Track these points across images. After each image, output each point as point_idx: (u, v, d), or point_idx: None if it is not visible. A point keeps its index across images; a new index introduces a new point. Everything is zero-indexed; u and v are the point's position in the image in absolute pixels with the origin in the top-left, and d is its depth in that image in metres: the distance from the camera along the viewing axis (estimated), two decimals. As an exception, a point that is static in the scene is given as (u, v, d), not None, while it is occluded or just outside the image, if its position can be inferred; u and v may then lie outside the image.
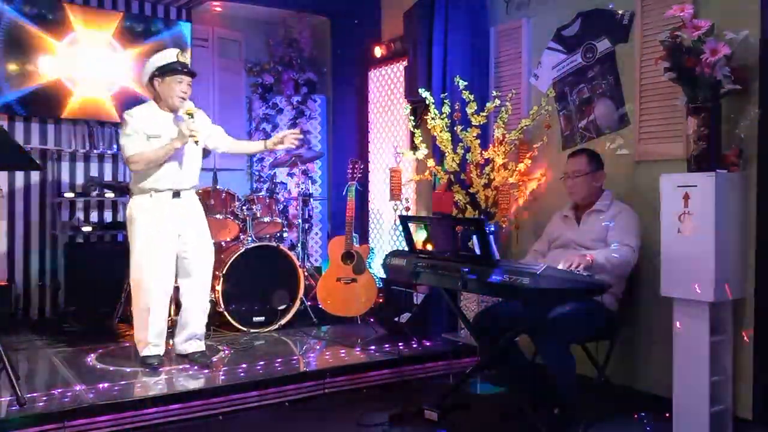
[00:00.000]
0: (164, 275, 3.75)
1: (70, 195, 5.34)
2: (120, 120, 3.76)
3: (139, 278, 3.73)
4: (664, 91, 3.45)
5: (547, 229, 3.64)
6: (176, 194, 3.77)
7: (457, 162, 4.25)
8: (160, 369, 3.71)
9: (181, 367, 3.80)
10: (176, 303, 4.25)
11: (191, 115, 3.70)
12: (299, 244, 5.44)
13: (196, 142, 3.68)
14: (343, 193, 5.08)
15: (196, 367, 3.78)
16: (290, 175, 6.34)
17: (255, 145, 4.30)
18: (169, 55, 3.75)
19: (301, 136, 4.08)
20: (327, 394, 3.70)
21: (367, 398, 3.71)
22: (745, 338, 3.09)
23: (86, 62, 5.36)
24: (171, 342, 4.03)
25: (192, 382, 3.54)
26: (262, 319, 4.75)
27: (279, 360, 3.96)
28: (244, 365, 3.83)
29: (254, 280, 4.73)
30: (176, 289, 4.00)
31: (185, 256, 3.81)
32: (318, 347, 4.40)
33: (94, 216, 5.56)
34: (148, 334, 3.74)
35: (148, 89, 3.88)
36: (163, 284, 3.76)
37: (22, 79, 5.11)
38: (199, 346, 3.91)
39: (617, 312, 3.33)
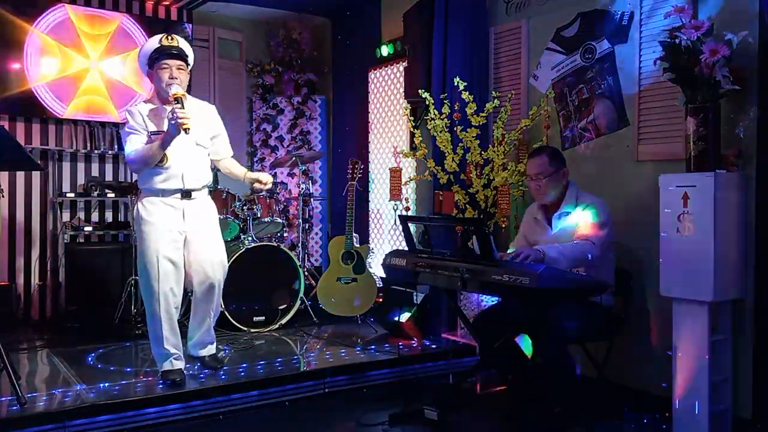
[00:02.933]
0: (174, 282, 3.48)
1: (71, 195, 5.36)
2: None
3: (148, 287, 3.46)
4: (663, 92, 3.45)
5: (522, 228, 3.60)
6: (186, 195, 3.51)
7: (457, 162, 4.26)
8: (184, 384, 3.45)
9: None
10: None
11: (178, 100, 3.31)
12: (299, 244, 5.45)
13: (186, 130, 3.26)
14: (343, 193, 5.09)
15: (196, 367, 3.78)
16: (290, 175, 6.35)
17: (238, 170, 3.83)
18: (153, 43, 3.47)
19: (270, 186, 3.76)
20: (327, 394, 3.71)
21: (367, 398, 3.71)
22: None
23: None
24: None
25: (192, 382, 3.54)
26: (262, 318, 4.75)
27: (279, 359, 3.97)
28: (244, 365, 3.83)
29: (254, 280, 4.73)
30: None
31: (194, 261, 3.57)
32: (318, 347, 4.40)
33: (95, 216, 5.57)
34: (165, 344, 3.47)
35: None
36: (174, 291, 3.49)
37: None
38: (211, 350, 3.80)
39: (617, 312, 3.33)
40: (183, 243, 3.54)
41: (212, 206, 3.72)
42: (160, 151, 3.38)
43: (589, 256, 3.10)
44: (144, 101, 3.68)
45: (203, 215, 3.62)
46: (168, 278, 3.46)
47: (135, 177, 5.64)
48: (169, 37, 3.47)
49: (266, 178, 3.72)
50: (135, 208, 3.60)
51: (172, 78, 3.42)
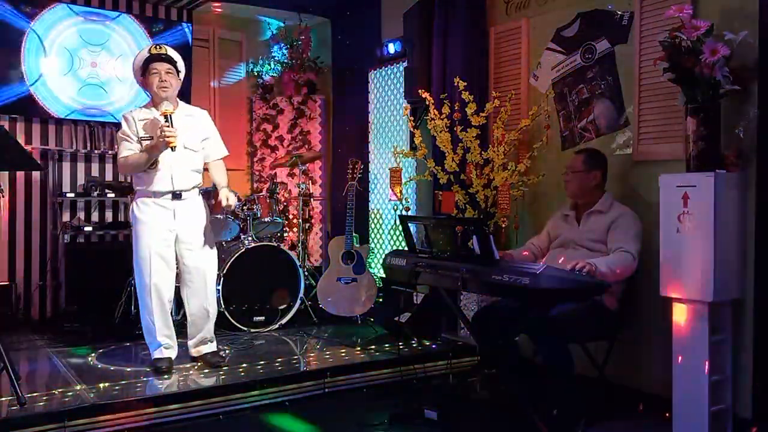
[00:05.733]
0: (165, 277, 3.69)
1: (71, 195, 5.36)
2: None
3: (140, 280, 3.69)
4: (663, 92, 3.45)
5: (548, 226, 3.63)
6: (177, 196, 3.69)
7: (457, 162, 4.26)
8: (171, 372, 3.66)
9: (182, 366, 3.80)
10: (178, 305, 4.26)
11: (166, 117, 3.51)
12: (299, 244, 5.45)
13: (173, 149, 3.48)
14: (343, 193, 5.09)
15: (196, 367, 3.79)
16: (290, 175, 6.35)
17: (219, 178, 3.86)
18: (143, 53, 3.70)
19: (233, 207, 3.81)
20: (327, 394, 3.71)
21: (367, 398, 3.72)
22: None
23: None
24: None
25: (192, 382, 3.55)
26: (262, 318, 4.75)
27: (279, 359, 3.97)
28: (244, 365, 3.84)
29: (254, 280, 4.73)
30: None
31: (184, 261, 3.76)
32: (318, 347, 4.40)
33: (95, 216, 5.56)
34: (157, 335, 3.70)
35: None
36: (165, 286, 3.69)
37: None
38: (211, 347, 3.89)
39: (617, 312, 3.33)
40: (174, 241, 3.72)
41: (201, 206, 3.85)
42: (147, 161, 3.59)
43: (632, 269, 3.16)
44: (142, 106, 3.81)
45: (193, 214, 3.78)
46: (159, 273, 3.66)
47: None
48: (157, 46, 3.70)
49: (232, 200, 3.75)
50: (130, 208, 3.79)
51: (162, 81, 3.60)
